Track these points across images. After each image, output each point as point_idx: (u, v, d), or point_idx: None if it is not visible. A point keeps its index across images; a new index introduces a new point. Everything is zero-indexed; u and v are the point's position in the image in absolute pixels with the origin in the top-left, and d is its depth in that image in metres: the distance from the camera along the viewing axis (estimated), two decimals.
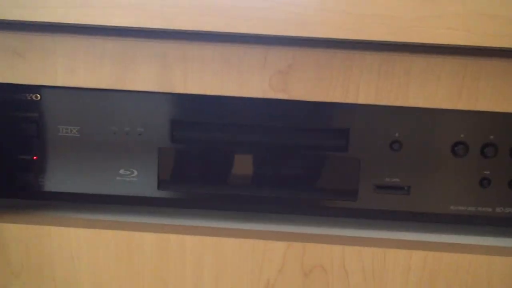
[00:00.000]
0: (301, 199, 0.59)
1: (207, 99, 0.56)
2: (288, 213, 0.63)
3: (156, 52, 0.50)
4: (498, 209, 0.58)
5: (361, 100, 0.50)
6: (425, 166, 0.57)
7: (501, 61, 0.49)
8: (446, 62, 0.49)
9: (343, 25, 0.42)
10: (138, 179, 0.60)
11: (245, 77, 0.50)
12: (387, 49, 0.49)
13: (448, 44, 0.43)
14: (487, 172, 0.57)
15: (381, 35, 0.43)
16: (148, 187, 0.60)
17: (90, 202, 0.61)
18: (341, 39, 0.43)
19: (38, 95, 0.58)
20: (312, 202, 0.60)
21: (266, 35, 0.43)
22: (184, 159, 0.60)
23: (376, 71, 0.49)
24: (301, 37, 0.43)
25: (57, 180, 0.60)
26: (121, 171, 0.60)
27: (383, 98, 0.50)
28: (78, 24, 0.44)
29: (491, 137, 0.56)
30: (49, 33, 0.50)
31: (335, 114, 0.56)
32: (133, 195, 0.60)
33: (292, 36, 0.43)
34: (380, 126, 0.56)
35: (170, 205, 0.61)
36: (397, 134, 0.57)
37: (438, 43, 0.43)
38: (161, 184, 0.60)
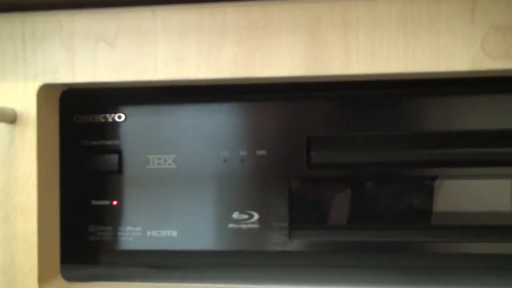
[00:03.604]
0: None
1: (363, 101, 0.39)
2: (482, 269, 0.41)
3: (302, 18, 0.34)
4: None
5: None
6: None
7: None
8: None
9: None
10: (259, 225, 0.41)
11: (442, 41, 0.32)
12: None
13: None
14: None
15: None
16: (273, 236, 0.41)
17: (190, 263, 0.42)
18: None
19: (122, 115, 0.42)
20: None
21: None
22: (326, 193, 0.41)
23: None
24: None
25: (144, 234, 0.42)
26: (235, 215, 0.41)
27: None
28: None
29: None
30: (147, 6, 0.36)
31: None
32: (253, 250, 0.41)
33: None
34: None
35: (306, 262, 0.41)
36: None
37: None
38: (293, 232, 0.41)
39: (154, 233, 0.42)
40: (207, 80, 0.35)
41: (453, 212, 0.40)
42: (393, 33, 0.33)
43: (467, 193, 0.39)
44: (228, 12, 0.34)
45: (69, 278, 0.40)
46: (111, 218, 0.43)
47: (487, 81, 0.36)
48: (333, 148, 0.41)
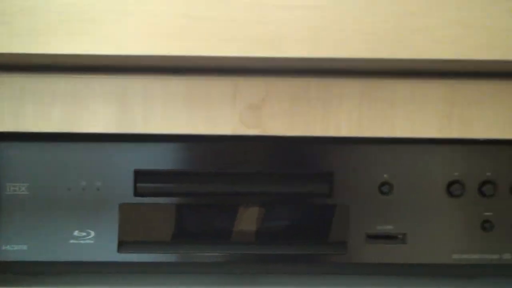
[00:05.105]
0: (279, 256, 0.52)
1: (173, 146, 0.51)
2: (264, 273, 0.54)
3: (113, 89, 0.45)
4: (505, 256, 0.51)
5: (344, 132, 0.45)
6: (421, 210, 0.51)
7: (493, 84, 0.45)
8: (433, 86, 0.45)
9: (321, 43, 0.38)
10: (95, 241, 0.52)
11: (214, 113, 0.44)
12: (368, 75, 0.45)
13: (434, 59, 0.39)
14: (489, 214, 0.51)
15: (362, 52, 0.38)
16: (105, 250, 0.52)
17: (40, 272, 0.53)
18: (319, 58, 0.38)
19: None
20: (293, 258, 0.52)
21: (234, 57, 0.39)
22: (149, 216, 0.52)
23: (358, 99, 0.45)
24: (275, 58, 0.39)
25: (0, 248, 0.51)
26: (76, 233, 0.52)
27: (367, 130, 0.45)
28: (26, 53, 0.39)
29: (488, 174, 0.51)
30: None
31: (316, 156, 0.51)
32: (89, 261, 0.52)
33: (265, 57, 0.39)
34: (367, 167, 0.51)
35: (132, 271, 0.53)
36: (385, 175, 0.51)
37: (423, 58, 0.38)
38: (121, 247, 0.52)
39: (8, 247, 0.52)
40: (41, 133, 0.45)
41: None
42: (178, 107, 0.45)
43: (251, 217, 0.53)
44: (58, 82, 0.45)
45: None
46: None
47: None
48: (155, 180, 0.52)
